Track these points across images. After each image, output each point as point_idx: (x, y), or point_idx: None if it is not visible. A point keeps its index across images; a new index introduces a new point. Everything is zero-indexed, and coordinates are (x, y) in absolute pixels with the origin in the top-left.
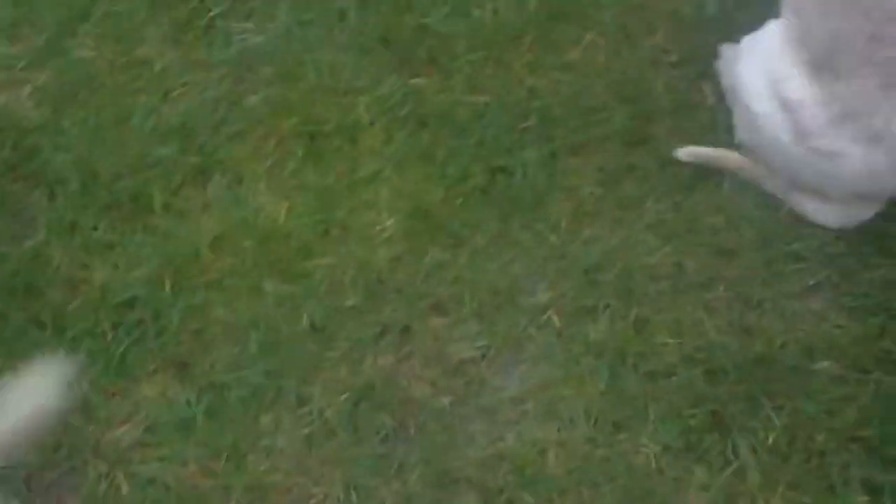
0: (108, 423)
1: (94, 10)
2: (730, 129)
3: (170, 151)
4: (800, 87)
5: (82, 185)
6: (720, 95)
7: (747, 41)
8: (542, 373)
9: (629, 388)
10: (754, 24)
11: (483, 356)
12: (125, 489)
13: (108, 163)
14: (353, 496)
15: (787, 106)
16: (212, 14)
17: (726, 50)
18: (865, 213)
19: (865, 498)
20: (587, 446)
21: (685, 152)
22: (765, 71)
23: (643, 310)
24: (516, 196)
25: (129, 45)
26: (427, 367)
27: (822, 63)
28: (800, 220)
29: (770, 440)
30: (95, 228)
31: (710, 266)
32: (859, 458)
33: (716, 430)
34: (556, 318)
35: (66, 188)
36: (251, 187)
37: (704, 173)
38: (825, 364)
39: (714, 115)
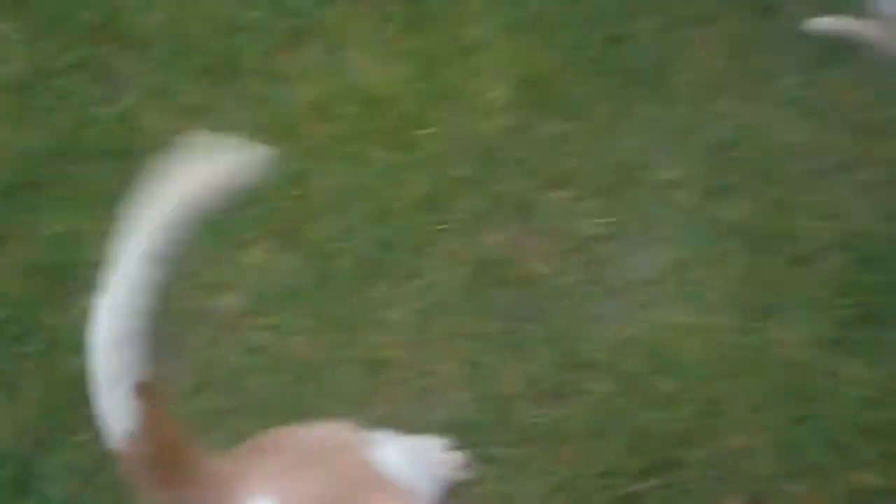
0: (213, 290)
1: None
2: None
3: (261, 14)
4: None
5: (173, 47)
6: None
7: None
8: (674, 253)
9: (772, 272)
10: None
11: (609, 234)
12: (233, 357)
13: (199, 25)
14: (474, 374)
15: None
16: None
17: None
18: None
19: None
20: (727, 333)
21: (818, 23)
22: None
23: (784, 191)
24: (634, 67)
25: None
26: (548, 244)
27: None
28: None
29: None
30: (187, 91)
31: (856, 145)
32: None
33: (869, 323)
34: (686, 196)
35: (157, 50)
36: (349, 52)
37: (839, 47)
38: None
39: None
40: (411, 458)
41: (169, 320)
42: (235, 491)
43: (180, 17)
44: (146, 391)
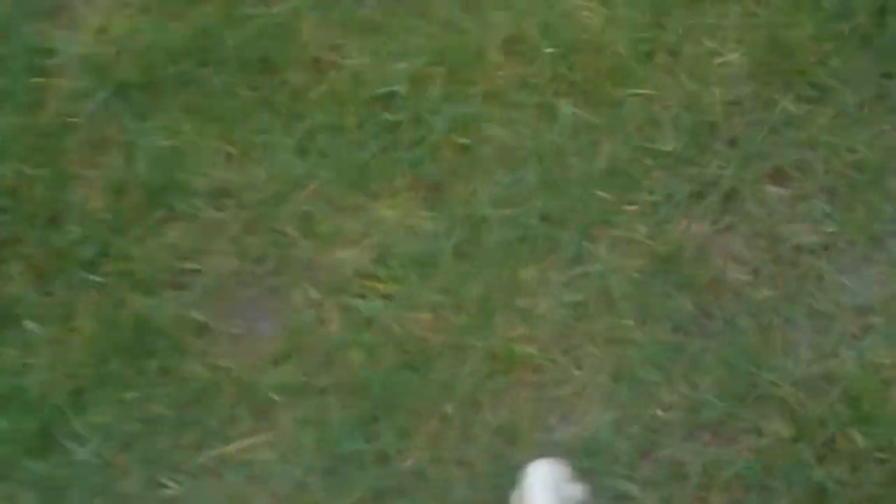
0: (329, 241)
1: None
2: None
3: None
4: None
5: None
6: None
7: None
8: None
9: None
10: None
11: (827, 246)
12: (335, 325)
13: None
14: (623, 390)
15: None
16: None
17: None
18: None
19: None
20: None
21: None
22: None
23: None
24: None
25: None
26: (751, 247)
27: None
28: None
29: None
30: (362, 3)
31: None
32: None
33: None
34: None
35: None
36: None
37: None
38: None
39: None
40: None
41: (270, 268)
42: None
43: None
44: None
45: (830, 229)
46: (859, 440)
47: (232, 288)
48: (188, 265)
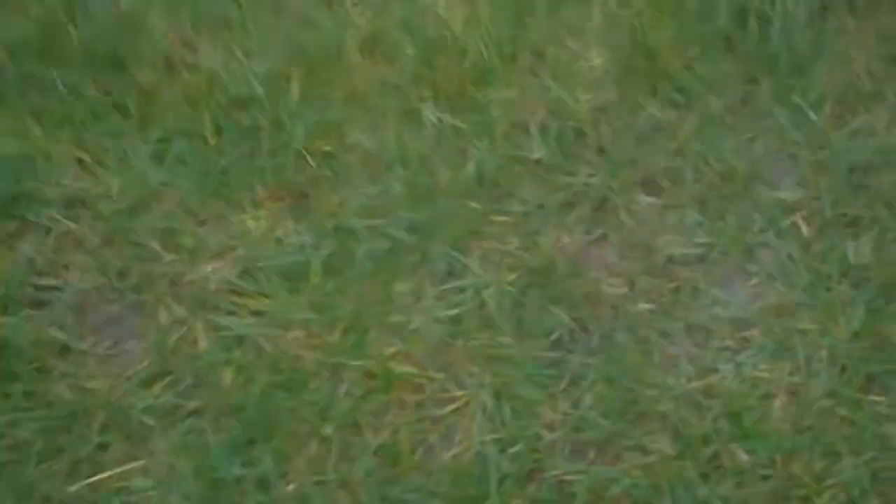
0: (193, 255)
1: None
2: None
3: None
4: None
5: None
6: None
7: None
8: (777, 293)
9: (892, 335)
10: None
11: (701, 257)
12: (203, 343)
13: None
14: (506, 408)
15: None
16: None
17: None
18: None
19: None
20: (827, 401)
21: None
22: None
23: None
24: (772, 53)
25: None
26: (626, 259)
27: None
28: None
29: None
30: None
31: None
32: None
33: None
34: (804, 225)
35: None
36: None
37: None
38: None
39: None
40: None
41: (132, 283)
42: None
43: None
44: None
45: (703, 240)
46: (742, 457)
47: (94, 305)
48: (46, 281)
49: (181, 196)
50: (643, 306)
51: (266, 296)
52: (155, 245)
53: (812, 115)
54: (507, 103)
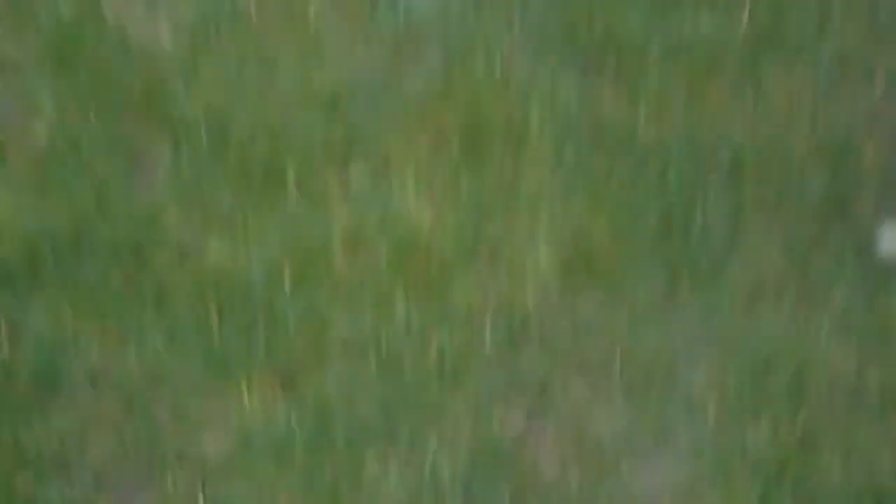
0: (198, 426)
1: None
2: None
3: (313, 120)
4: None
5: (211, 142)
6: None
7: None
8: (687, 472)
9: None
10: None
11: (624, 438)
12: None
13: (244, 120)
14: None
15: None
16: None
17: None
18: None
19: None
20: None
21: (890, 241)
22: None
23: (813, 421)
24: (692, 254)
25: None
26: (561, 439)
27: None
28: None
29: None
30: (218, 193)
31: None
32: None
33: None
34: (713, 411)
35: (194, 142)
36: (397, 181)
37: None
38: None
39: None
40: None
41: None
42: None
43: (224, 107)
44: None
45: (627, 423)
46: None
47: (111, 469)
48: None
49: (188, 372)
50: (574, 483)
51: (258, 466)
52: (163, 414)
53: (725, 307)
54: (467, 293)
